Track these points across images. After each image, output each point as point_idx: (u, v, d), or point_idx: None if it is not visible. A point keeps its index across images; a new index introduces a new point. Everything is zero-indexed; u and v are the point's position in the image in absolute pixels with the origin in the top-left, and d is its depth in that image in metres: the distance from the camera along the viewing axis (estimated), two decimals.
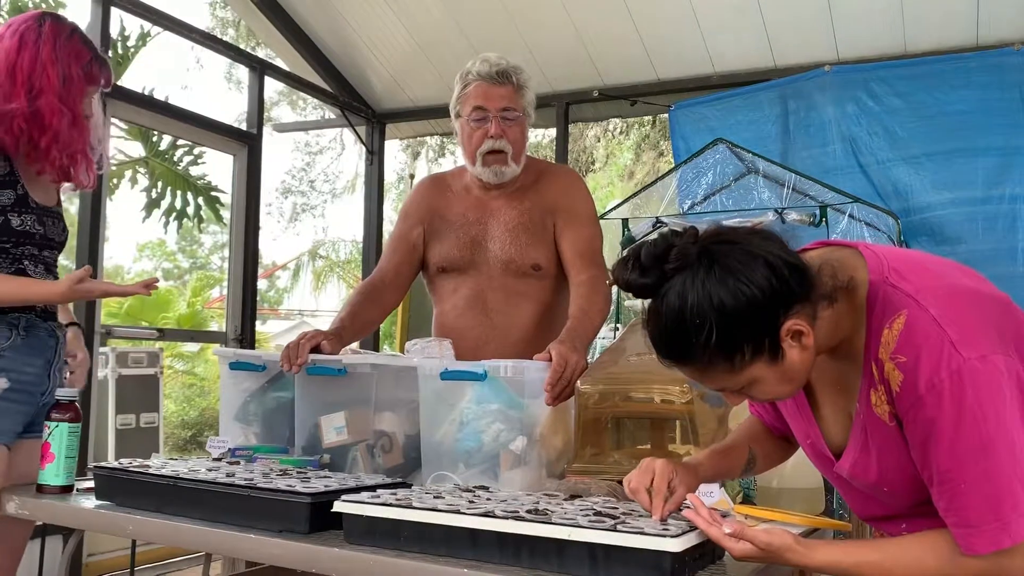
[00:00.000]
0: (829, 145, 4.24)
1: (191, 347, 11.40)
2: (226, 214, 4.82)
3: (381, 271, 2.25)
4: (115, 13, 3.88)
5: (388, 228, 4.73)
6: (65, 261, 2.46)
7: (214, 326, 11.17)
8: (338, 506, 1.34)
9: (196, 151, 4.85)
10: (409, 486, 1.55)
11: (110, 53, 4.18)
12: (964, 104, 3.98)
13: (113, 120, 3.99)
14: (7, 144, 1.85)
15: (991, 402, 1.02)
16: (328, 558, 1.31)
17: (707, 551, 1.22)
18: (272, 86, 6.78)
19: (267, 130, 4.77)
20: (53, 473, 1.73)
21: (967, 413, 1.02)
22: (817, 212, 3.86)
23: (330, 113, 5.71)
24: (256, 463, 1.75)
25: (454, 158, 11.31)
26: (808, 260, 1.14)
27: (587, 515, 1.23)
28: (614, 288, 2.48)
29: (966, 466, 1.03)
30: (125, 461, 1.70)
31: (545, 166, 2.33)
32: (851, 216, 3.94)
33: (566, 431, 1.73)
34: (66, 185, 2.01)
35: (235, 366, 2.00)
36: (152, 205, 4.84)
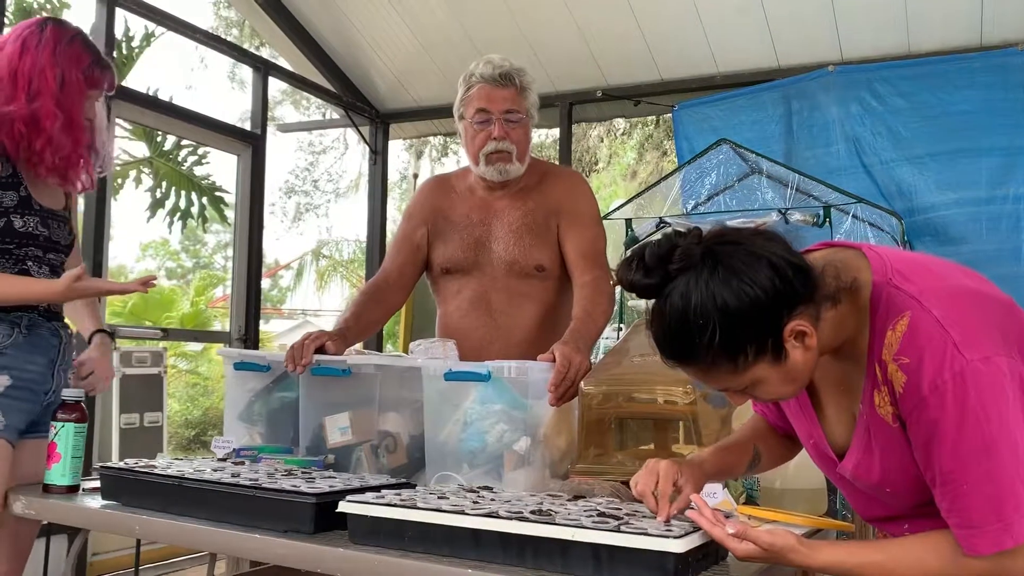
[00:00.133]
0: (833, 145, 4.24)
1: (194, 346, 11.41)
2: (230, 214, 4.83)
3: (385, 272, 2.26)
4: (120, 14, 3.89)
5: (392, 228, 4.73)
6: None
7: (217, 325, 11.17)
8: (343, 506, 1.35)
9: (200, 151, 4.87)
10: (413, 486, 1.56)
11: (115, 54, 4.20)
12: (968, 104, 3.97)
13: (118, 120, 4.00)
14: (8, 147, 1.86)
15: (994, 403, 1.03)
16: (332, 558, 1.31)
17: (710, 552, 1.23)
18: (276, 86, 6.81)
19: (271, 130, 4.77)
20: (59, 473, 1.73)
21: (970, 414, 1.03)
22: (821, 212, 3.84)
23: (334, 113, 5.71)
24: (261, 463, 1.75)
25: (457, 158, 11.31)
26: (812, 261, 1.14)
27: (591, 516, 1.23)
28: (618, 289, 2.48)
29: (969, 467, 1.03)
30: (131, 461, 1.70)
31: (549, 167, 2.33)
32: (855, 216, 3.94)
33: (570, 432, 1.74)
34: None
35: (240, 366, 2.00)
36: (156, 205, 4.86)
